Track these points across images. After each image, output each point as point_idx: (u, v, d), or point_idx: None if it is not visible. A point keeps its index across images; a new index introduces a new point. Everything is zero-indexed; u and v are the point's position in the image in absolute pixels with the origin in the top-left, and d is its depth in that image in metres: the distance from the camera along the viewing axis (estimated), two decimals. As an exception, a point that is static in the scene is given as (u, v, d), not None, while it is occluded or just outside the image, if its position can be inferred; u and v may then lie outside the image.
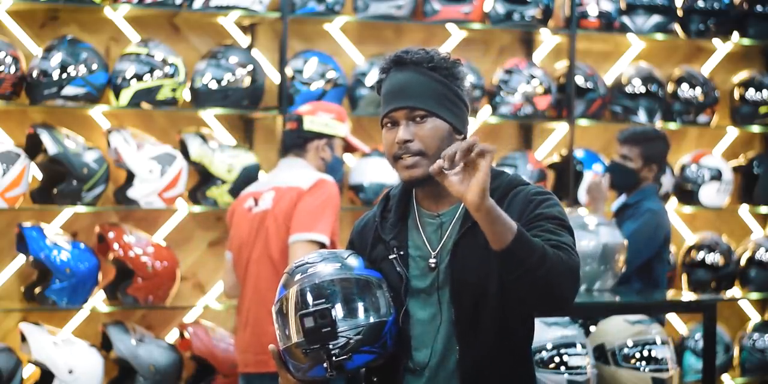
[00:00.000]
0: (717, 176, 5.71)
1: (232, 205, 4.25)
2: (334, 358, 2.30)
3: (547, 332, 3.63)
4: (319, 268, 2.38)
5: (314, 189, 3.93)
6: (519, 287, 2.22)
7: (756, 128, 5.88)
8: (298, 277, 2.38)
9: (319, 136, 4.07)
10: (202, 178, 4.97)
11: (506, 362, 2.38)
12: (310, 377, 2.36)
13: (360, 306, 2.34)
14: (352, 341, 2.31)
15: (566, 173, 5.49)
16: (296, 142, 4.08)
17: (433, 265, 2.40)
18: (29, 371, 4.75)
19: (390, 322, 2.36)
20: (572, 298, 2.27)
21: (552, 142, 5.70)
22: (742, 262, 5.80)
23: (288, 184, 3.97)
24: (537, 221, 2.31)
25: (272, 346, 2.42)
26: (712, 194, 5.72)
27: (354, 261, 2.42)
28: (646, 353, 3.75)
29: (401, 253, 2.42)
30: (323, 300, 2.32)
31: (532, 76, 5.37)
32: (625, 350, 3.76)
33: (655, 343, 3.78)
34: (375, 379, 2.43)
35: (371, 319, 2.33)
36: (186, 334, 4.78)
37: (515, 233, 2.18)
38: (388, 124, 2.41)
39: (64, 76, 4.61)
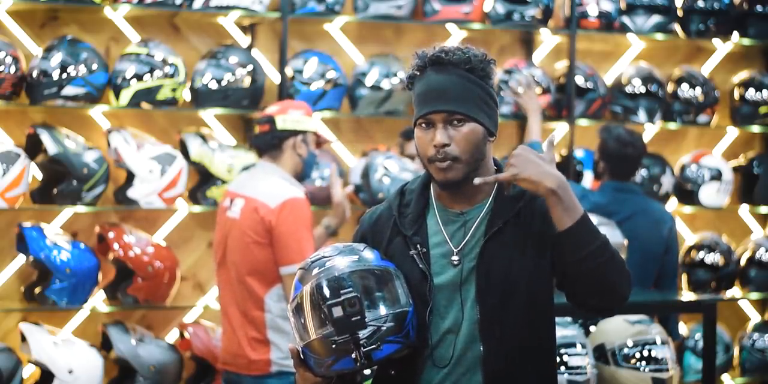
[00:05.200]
0: (717, 176, 5.71)
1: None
2: (363, 348, 2.30)
3: (548, 332, 3.63)
4: (337, 261, 2.38)
5: (282, 213, 3.93)
6: (579, 274, 2.31)
7: (756, 128, 5.88)
8: (315, 271, 2.37)
9: (294, 133, 4.09)
10: (202, 178, 4.97)
11: (531, 360, 2.40)
12: (335, 371, 2.35)
13: (382, 296, 2.34)
14: (382, 329, 2.31)
15: (566, 173, 5.48)
16: (272, 143, 4.09)
17: (456, 262, 2.41)
18: (29, 371, 4.75)
19: (411, 312, 2.37)
20: (627, 297, 2.39)
21: (552, 142, 5.69)
22: (742, 262, 5.79)
23: (257, 196, 3.99)
24: None
25: (290, 345, 2.42)
26: (712, 194, 5.72)
27: (370, 253, 2.43)
28: (646, 353, 3.75)
29: (423, 250, 2.43)
30: (350, 289, 2.32)
31: (532, 76, 5.37)
32: (625, 350, 3.75)
33: (655, 343, 3.77)
34: (393, 373, 2.43)
35: (394, 309, 2.34)
36: (186, 334, 4.78)
37: (581, 215, 2.31)
38: (423, 125, 2.41)
39: (64, 76, 4.61)
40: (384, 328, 2.31)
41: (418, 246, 2.43)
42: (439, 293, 2.41)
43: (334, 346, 2.31)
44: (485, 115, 2.41)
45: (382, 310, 2.33)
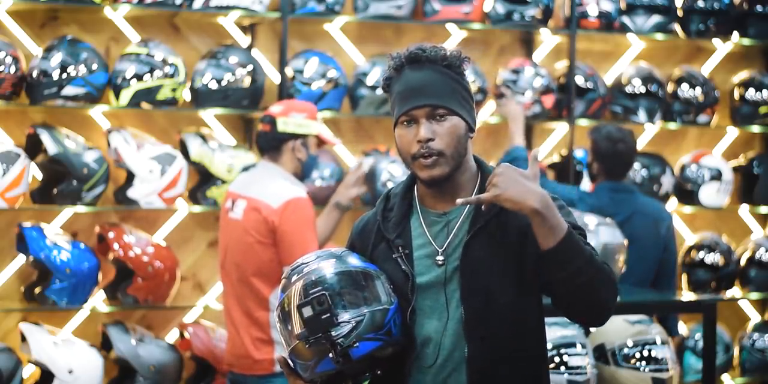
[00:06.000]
0: (717, 176, 5.71)
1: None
2: (339, 346, 2.30)
3: (547, 332, 3.63)
4: (314, 265, 2.40)
5: (285, 213, 3.93)
6: (564, 290, 2.28)
7: (756, 128, 5.88)
8: (294, 278, 2.40)
9: (294, 136, 4.08)
10: (202, 178, 4.97)
11: (518, 361, 2.39)
12: (319, 373, 2.35)
13: (359, 295, 2.35)
14: (355, 327, 2.31)
15: (566, 173, 5.48)
16: (271, 144, 4.08)
17: (440, 262, 2.41)
18: (29, 371, 4.75)
19: (392, 310, 2.37)
20: (612, 310, 2.34)
21: (552, 142, 5.70)
22: (742, 262, 5.79)
23: (259, 197, 3.99)
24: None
25: (278, 355, 2.43)
26: (712, 194, 5.72)
27: (349, 256, 2.44)
28: (646, 353, 3.75)
29: (406, 251, 2.43)
30: (319, 288, 2.34)
31: (540, 76, 5.37)
32: (625, 350, 3.75)
33: (655, 343, 3.77)
34: (378, 373, 2.43)
35: (372, 307, 2.34)
36: (186, 334, 4.78)
37: (565, 233, 2.25)
38: (405, 122, 2.40)
39: (64, 76, 4.61)
40: (360, 325, 2.32)
41: (401, 248, 2.43)
42: (424, 293, 2.41)
43: (308, 346, 2.32)
44: (465, 111, 2.41)
45: (360, 308, 2.34)
